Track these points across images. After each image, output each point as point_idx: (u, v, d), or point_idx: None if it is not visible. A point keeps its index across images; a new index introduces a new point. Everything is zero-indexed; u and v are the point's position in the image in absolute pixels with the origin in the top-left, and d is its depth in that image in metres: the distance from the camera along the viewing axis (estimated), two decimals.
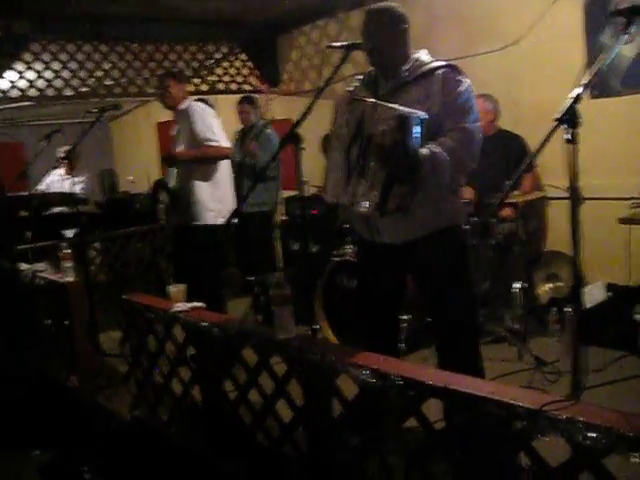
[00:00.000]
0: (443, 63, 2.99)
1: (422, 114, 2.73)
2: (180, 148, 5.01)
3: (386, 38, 2.98)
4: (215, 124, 4.93)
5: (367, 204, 2.86)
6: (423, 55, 3.07)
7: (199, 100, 5.06)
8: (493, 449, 1.96)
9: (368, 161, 2.83)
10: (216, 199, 4.97)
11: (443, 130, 2.88)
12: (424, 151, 2.76)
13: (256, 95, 7.25)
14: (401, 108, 2.72)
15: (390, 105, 2.77)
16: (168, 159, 5.12)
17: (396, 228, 2.99)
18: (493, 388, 1.98)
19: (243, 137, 6.73)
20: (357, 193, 2.90)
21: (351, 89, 3.19)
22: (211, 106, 5.07)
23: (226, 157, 5.05)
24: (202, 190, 4.94)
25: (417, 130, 2.70)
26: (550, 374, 4.03)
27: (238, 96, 7.08)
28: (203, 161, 4.94)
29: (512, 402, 1.85)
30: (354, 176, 2.90)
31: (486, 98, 5.13)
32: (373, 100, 2.87)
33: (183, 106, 4.98)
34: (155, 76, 6.81)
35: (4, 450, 3.99)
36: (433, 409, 2.19)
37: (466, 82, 2.96)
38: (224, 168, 5.08)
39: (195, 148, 4.90)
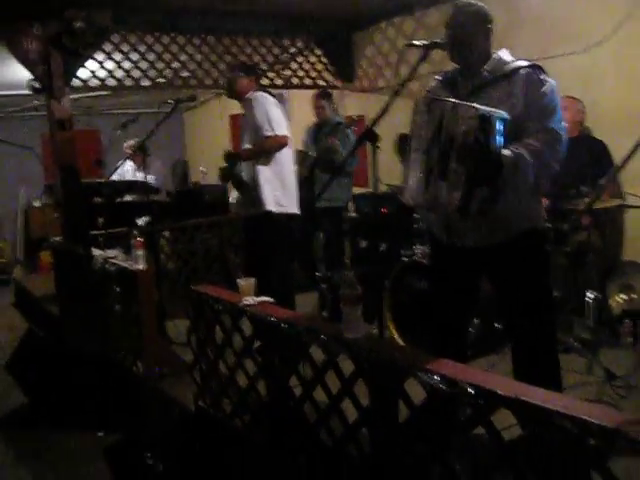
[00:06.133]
0: (525, 63, 2.95)
1: (504, 114, 2.68)
2: (245, 136, 5.14)
3: (473, 32, 2.96)
4: (273, 112, 4.99)
5: (448, 206, 2.81)
6: (504, 55, 3.02)
7: (262, 90, 5.18)
8: (564, 467, 1.91)
9: (449, 162, 2.77)
10: (279, 184, 5.07)
11: (526, 131, 2.83)
12: (507, 152, 2.72)
13: (330, 91, 7.25)
14: (483, 107, 2.67)
15: (471, 105, 2.72)
16: (231, 156, 5.29)
17: (477, 231, 2.95)
18: (567, 402, 1.92)
19: (318, 131, 6.74)
20: (438, 195, 2.84)
21: (430, 89, 3.16)
22: (274, 96, 5.15)
23: (284, 146, 5.09)
24: (264, 174, 5.04)
25: (500, 130, 2.65)
26: (621, 388, 3.92)
27: (314, 91, 7.11)
28: (265, 154, 5.05)
29: (586, 418, 1.79)
30: (434, 178, 2.84)
31: (574, 99, 5.00)
32: (453, 100, 2.82)
33: (248, 96, 5.11)
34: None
35: (71, 430, 4.10)
36: (501, 418, 2.14)
37: (550, 82, 2.90)
38: (284, 154, 5.13)
39: (255, 137, 5.02)
